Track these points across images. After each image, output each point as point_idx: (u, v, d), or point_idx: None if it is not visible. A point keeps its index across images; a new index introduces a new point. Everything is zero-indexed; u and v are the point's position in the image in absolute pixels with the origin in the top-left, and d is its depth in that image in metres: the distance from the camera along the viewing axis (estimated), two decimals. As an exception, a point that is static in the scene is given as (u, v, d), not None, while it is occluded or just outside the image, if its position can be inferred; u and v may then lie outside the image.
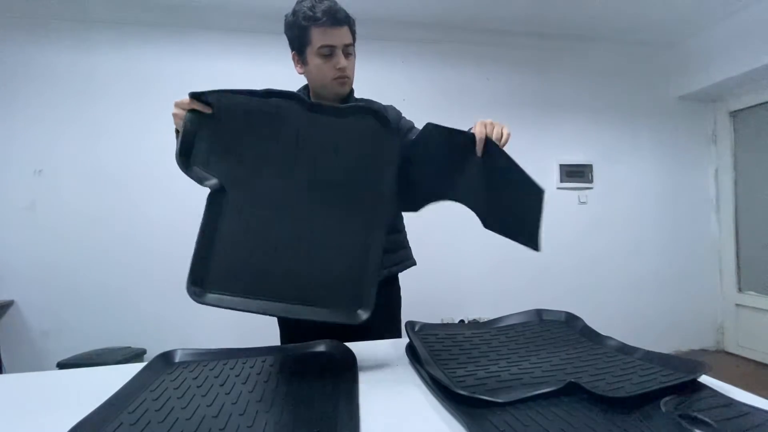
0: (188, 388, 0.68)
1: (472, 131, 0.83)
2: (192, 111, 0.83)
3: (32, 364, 2.20)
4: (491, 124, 0.84)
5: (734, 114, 3.01)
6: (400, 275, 1.21)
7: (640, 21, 2.70)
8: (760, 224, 2.87)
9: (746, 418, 0.51)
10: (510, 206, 0.81)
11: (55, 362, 2.02)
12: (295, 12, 0.98)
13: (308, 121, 0.79)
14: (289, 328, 1.13)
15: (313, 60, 1.00)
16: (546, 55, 2.91)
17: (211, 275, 0.74)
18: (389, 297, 1.18)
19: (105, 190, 2.32)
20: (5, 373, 2.09)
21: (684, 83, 2.98)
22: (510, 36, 2.80)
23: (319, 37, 0.96)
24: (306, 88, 1.12)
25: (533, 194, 0.72)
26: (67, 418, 0.55)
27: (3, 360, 2.17)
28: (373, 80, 2.67)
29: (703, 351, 3.03)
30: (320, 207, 0.78)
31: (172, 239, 2.36)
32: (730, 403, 0.55)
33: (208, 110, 0.80)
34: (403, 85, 2.67)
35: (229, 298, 0.74)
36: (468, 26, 2.71)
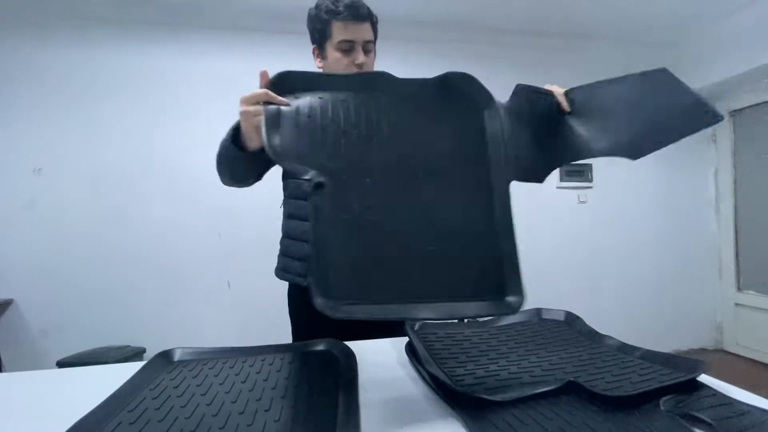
0: (188, 386, 0.68)
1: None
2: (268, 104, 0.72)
3: (32, 362, 2.20)
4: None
5: (734, 113, 3.01)
6: None
7: (639, 20, 2.70)
8: (760, 223, 2.87)
9: (745, 417, 0.51)
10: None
11: (55, 361, 2.02)
12: (318, 5, 0.98)
13: (399, 102, 0.71)
14: (302, 324, 1.09)
15: (332, 54, 0.99)
16: (546, 54, 2.91)
17: (336, 284, 0.62)
18: None
19: (105, 188, 2.32)
20: (5, 371, 2.09)
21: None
22: (510, 35, 2.80)
23: (339, 32, 0.96)
24: None
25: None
26: (66, 417, 0.55)
27: (2, 359, 2.17)
28: (373, 79, 2.68)
29: (703, 350, 3.04)
30: (435, 193, 0.69)
31: (171, 238, 2.37)
32: (730, 402, 0.55)
33: (286, 104, 0.70)
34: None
35: (362, 306, 0.62)
36: (468, 25, 2.70)
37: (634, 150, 0.72)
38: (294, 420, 0.57)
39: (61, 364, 2.00)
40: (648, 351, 0.73)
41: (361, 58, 0.97)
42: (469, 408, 0.57)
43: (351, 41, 0.96)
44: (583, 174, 2.93)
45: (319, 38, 1.00)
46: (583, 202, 2.93)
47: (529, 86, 0.80)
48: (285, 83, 0.71)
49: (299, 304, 1.08)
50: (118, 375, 0.71)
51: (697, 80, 2.89)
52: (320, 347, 0.87)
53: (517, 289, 0.65)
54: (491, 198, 0.72)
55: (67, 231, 2.27)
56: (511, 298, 0.65)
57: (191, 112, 2.39)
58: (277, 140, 0.66)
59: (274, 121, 0.68)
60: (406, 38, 2.68)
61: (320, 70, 1.04)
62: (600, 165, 2.96)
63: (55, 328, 2.25)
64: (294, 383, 0.69)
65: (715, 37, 2.75)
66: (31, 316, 2.24)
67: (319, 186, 0.64)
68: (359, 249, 0.64)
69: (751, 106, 2.89)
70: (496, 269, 0.67)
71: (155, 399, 0.64)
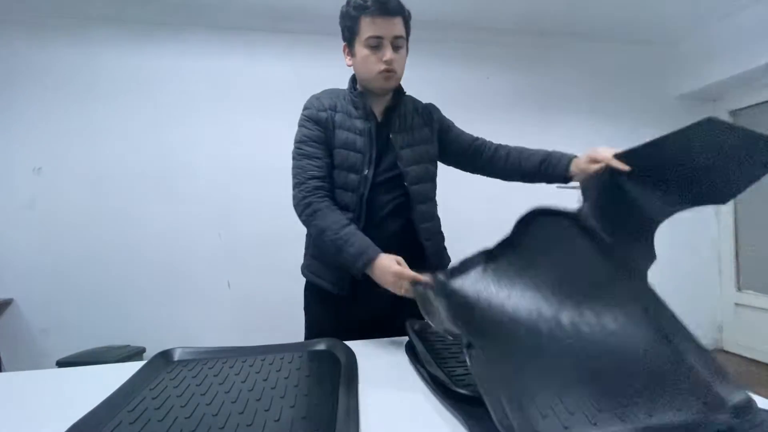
0: (187, 386, 0.68)
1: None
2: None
3: (31, 362, 2.20)
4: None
5: (734, 113, 3.01)
6: None
7: (640, 20, 2.70)
8: (759, 223, 2.87)
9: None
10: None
11: (55, 360, 2.02)
12: (348, 2, 0.97)
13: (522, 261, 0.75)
14: (314, 320, 1.11)
15: (361, 51, 0.97)
16: (546, 54, 2.91)
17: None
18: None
19: (104, 188, 2.32)
20: (5, 371, 2.09)
21: (683, 82, 2.98)
22: (510, 35, 2.80)
23: (367, 27, 0.94)
24: (353, 81, 1.08)
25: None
26: (66, 417, 0.55)
27: (2, 358, 2.17)
28: (373, 79, 2.68)
29: (702, 350, 3.04)
30: (592, 319, 0.67)
31: (171, 238, 2.37)
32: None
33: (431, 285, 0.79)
34: (403, 84, 2.67)
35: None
36: (468, 25, 2.70)
37: (722, 197, 0.75)
38: (294, 420, 0.57)
39: (61, 363, 1.99)
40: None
41: (389, 54, 0.95)
42: (470, 408, 0.57)
43: (379, 37, 0.94)
44: (583, 174, 2.93)
45: (349, 35, 0.99)
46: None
47: (591, 177, 0.83)
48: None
49: (316, 300, 1.10)
50: (118, 375, 0.71)
51: (696, 80, 2.89)
52: (321, 347, 0.87)
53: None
54: (644, 298, 0.72)
55: (66, 231, 2.27)
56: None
57: (191, 112, 2.39)
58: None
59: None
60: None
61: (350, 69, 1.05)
62: (600, 165, 2.96)
63: (55, 327, 2.25)
64: (294, 383, 0.69)
65: (715, 37, 2.75)
66: (31, 316, 2.24)
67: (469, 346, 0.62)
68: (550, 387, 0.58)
69: (750, 106, 2.89)
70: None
71: (155, 399, 0.64)
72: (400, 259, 0.87)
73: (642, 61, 3.04)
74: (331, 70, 2.50)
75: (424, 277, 0.81)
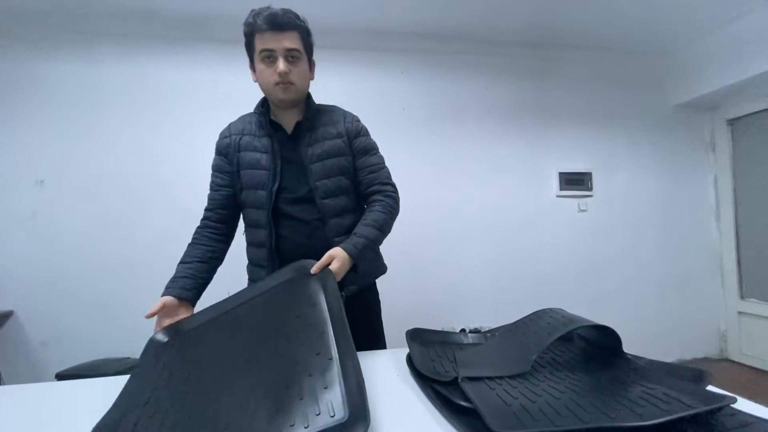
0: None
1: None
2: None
3: (31, 375, 2.19)
4: None
5: (732, 122, 3.03)
6: (379, 282, 1.22)
7: (637, 30, 2.73)
8: (761, 231, 2.87)
9: (750, 428, 0.50)
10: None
11: (54, 373, 2.01)
12: (244, 21, 1.02)
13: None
14: None
15: (258, 66, 1.03)
16: (544, 64, 2.94)
17: None
18: (368, 302, 1.19)
19: (106, 200, 2.32)
20: (4, 384, 2.07)
21: (681, 91, 3.00)
22: (508, 46, 2.83)
23: (259, 43, 1.00)
24: (262, 101, 1.13)
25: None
26: (65, 430, 0.55)
27: (1, 371, 2.15)
28: (373, 90, 2.70)
29: (707, 359, 3.01)
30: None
31: (172, 250, 2.35)
32: (734, 413, 0.54)
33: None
34: (402, 95, 2.69)
35: None
36: (466, 37, 2.73)
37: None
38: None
39: (60, 376, 1.98)
40: (652, 361, 0.72)
41: (281, 66, 0.99)
42: (471, 419, 0.57)
43: (271, 50, 0.99)
44: (583, 182, 2.94)
45: (250, 54, 1.05)
46: (583, 210, 2.93)
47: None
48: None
49: None
50: (118, 387, 0.71)
51: (694, 88, 2.91)
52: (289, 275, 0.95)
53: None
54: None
55: (68, 242, 2.27)
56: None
57: (193, 125, 2.41)
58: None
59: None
60: (407, 50, 2.71)
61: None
62: (600, 173, 2.97)
63: (55, 339, 2.24)
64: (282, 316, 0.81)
65: (711, 47, 2.77)
66: (31, 328, 2.23)
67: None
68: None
69: (748, 115, 2.91)
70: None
71: (166, 388, 0.68)
72: (168, 300, 0.99)
73: (639, 70, 3.07)
74: (327, 82, 2.54)
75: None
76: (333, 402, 0.57)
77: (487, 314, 2.65)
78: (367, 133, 1.15)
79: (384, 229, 1.05)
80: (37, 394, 0.78)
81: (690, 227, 3.10)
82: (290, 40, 1.00)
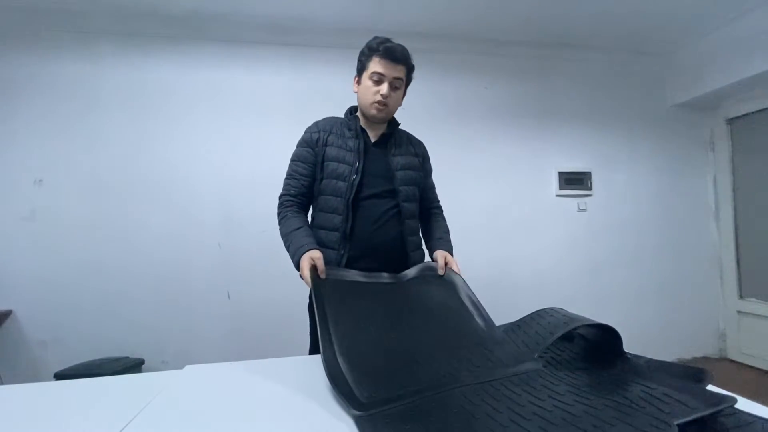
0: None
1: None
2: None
3: (29, 374, 2.18)
4: None
5: (731, 121, 3.03)
6: None
7: (637, 30, 2.73)
8: (760, 230, 2.87)
9: (749, 427, 0.50)
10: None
11: (53, 373, 2.01)
12: (367, 44, 1.21)
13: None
14: None
15: (365, 82, 1.21)
16: (544, 64, 2.94)
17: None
18: None
19: (105, 200, 2.32)
20: (2, 384, 2.07)
21: (681, 91, 3.01)
22: (508, 46, 2.83)
23: (374, 65, 1.18)
24: (351, 110, 1.32)
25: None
26: (64, 430, 0.55)
27: (0, 371, 2.15)
28: (373, 89, 2.70)
29: (706, 359, 3.01)
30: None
31: (171, 249, 2.36)
32: (734, 413, 0.54)
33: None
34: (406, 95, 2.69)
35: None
36: (466, 36, 2.73)
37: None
38: None
39: (59, 376, 1.98)
40: (650, 360, 0.72)
41: (385, 89, 1.18)
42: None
43: (382, 74, 1.18)
44: (582, 182, 2.94)
45: (360, 68, 1.24)
46: (582, 209, 2.93)
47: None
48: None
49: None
50: (117, 387, 0.70)
51: (693, 88, 2.91)
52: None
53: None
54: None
55: (66, 242, 2.27)
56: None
57: (192, 124, 2.40)
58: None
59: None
60: (409, 49, 2.71)
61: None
62: (600, 173, 2.97)
63: (54, 339, 2.23)
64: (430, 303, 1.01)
65: (712, 46, 2.77)
66: (30, 328, 2.23)
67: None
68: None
69: (748, 114, 2.91)
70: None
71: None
72: (318, 255, 1.04)
73: (639, 70, 3.08)
74: (329, 83, 2.54)
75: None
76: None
77: (487, 314, 2.64)
78: (429, 159, 1.41)
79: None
80: (35, 394, 0.77)
81: (689, 226, 3.10)
82: (399, 72, 1.19)
